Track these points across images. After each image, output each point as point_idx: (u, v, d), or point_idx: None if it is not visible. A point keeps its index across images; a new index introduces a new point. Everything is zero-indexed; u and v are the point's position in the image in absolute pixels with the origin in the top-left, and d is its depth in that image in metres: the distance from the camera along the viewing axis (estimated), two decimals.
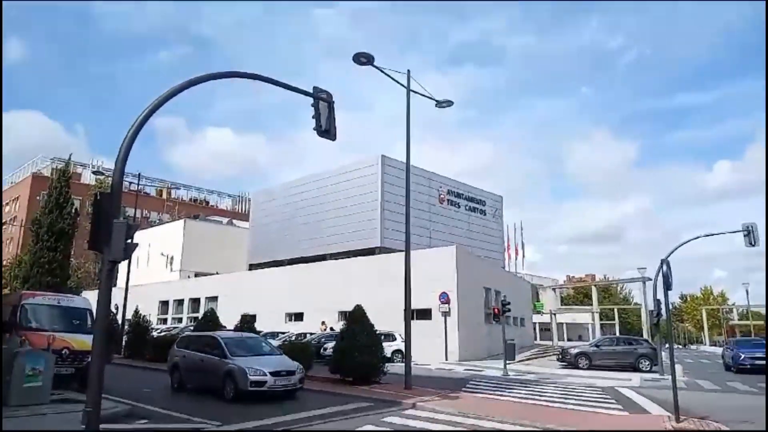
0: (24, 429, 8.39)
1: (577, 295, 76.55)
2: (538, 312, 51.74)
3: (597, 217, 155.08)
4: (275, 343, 19.44)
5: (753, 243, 20.92)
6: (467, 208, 43.64)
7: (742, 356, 23.98)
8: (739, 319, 76.49)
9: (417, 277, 17.29)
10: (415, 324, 19.41)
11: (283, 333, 27.45)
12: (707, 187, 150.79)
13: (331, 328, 27.57)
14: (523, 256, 52.74)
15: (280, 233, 42.31)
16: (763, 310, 74.29)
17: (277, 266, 38.93)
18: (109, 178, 20.30)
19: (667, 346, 14.89)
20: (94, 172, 47.46)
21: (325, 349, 21.19)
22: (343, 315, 23.55)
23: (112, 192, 7.75)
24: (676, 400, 10.27)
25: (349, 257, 35.03)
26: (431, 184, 40.08)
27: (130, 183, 35.97)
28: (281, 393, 12.51)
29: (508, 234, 50.53)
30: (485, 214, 45.43)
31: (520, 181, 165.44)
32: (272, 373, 12.42)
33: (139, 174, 33.61)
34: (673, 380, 10.77)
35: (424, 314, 27.34)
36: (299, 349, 17.43)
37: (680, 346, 68.45)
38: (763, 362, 22.67)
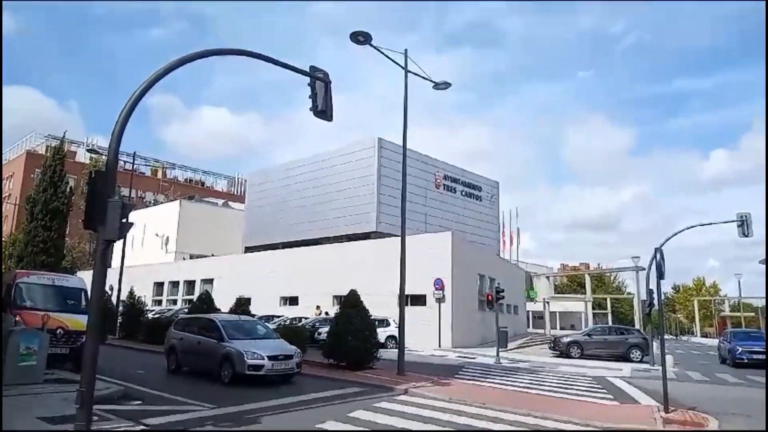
0: (17, 407, 8.42)
1: (571, 283, 77.02)
2: (532, 300, 52.06)
3: (593, 205, 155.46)
4: (270, 327, 19.52)
5: (746, 233, 21.01)
6: (463, 193, 43.63)
7: (740, 350, 23.05)
8: (730, 311, 77.20)
9: (412, 263, 17.32)
10: (410, 310, 19.51)
11: (278, 317, 27.56)
12: (704, 176, 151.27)
13: (326, 313, 27.69)
14: (518, 243, 52.91)
15: (275, 216, 42.26)
16: (754, 302, 75.11)
17: (272, 249, 38.94)
18: (104, 157, 20.17)
19: (658, 336, 15.02)
20: (88, 150, 47.08)
21: (320, 334, 21.29)
22: (338, 299, 23.61)
23: (107, 170, 7.67)
24: (666, 390, 10.39)
25: (344, 241, 35.10)
26: (427, 169, 39.96)
27: (125, 162, 35.73)
28: (278, 377, 12.58)
29: (503, 220, 50.63)
30: (481, 200, 45.44)
31: (517, 167, 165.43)
32: (270, 357, 12.47)
33: (134, 153, 33.36)
34: (663, 371, 10.88)
35: (419, 300, 27.47)
36: (293, 333, 17.50)
37: (672, 337, 69.17)
38: (762, 356, 22.07)
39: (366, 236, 34.64)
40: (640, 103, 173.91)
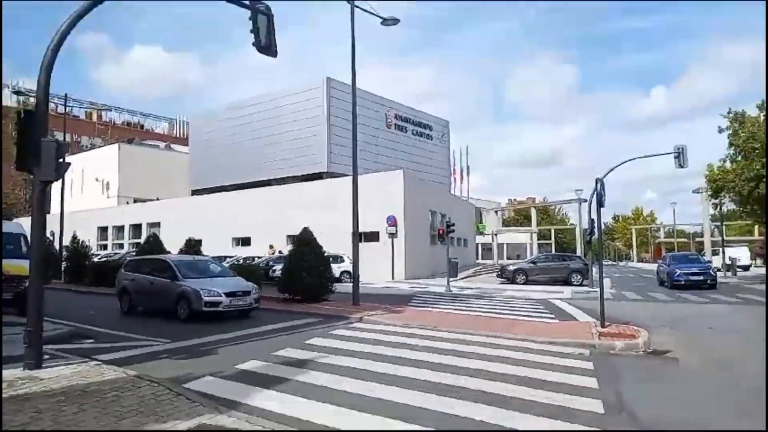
0: None
1: (518, 216, 79.80)
2: (481, 233, 53.83)
3: (539, 141, 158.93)
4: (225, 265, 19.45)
5: (682, 164, 22.21)
6: (414, 132, 43.67)
7: (678, 272, 23.29)
8: (665, 237, 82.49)
9: (365, 201, 17.47)
10: (364, 246, 19.82)
11: (231, 257, 27.42)
12: (643, 114, 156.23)
13: (280, 252, 27.75)
14: (468, 180, 53.90)
15: (223, 157, 41.13)
16: (687, 228, 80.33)
17: (221, 191, 38.19)
18: (33, 99, 18.81)
19: (598, 262, 15.97)
20: (14, 92, 43.69)
21: (274, 271, 21.41)
22: (292, 238, 23.63)
23: (37, 107, 7.28)
24: (603, 308, 11.17)
25: (296, 182, 34.78)
26: (378, 109, 39.56)
27: (57, 105, 33.49)
28: (237, 313, 12.69)
29: (453, 158, 51.27)
30: (432, 139, 45.67)
31: (466, 106, 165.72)
32: (227, 294, 12.51)
33: (66, 95, 31.26)
34: (601, 291, 11.64)
35: (372, 237, 27.86)
36: (247, 271, 17.52)
37: (612, 263, 73.52)
38: (699, 277, 22.78)
39: (318, 176, 34.45)
40: (585, 41, 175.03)
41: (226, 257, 27.00)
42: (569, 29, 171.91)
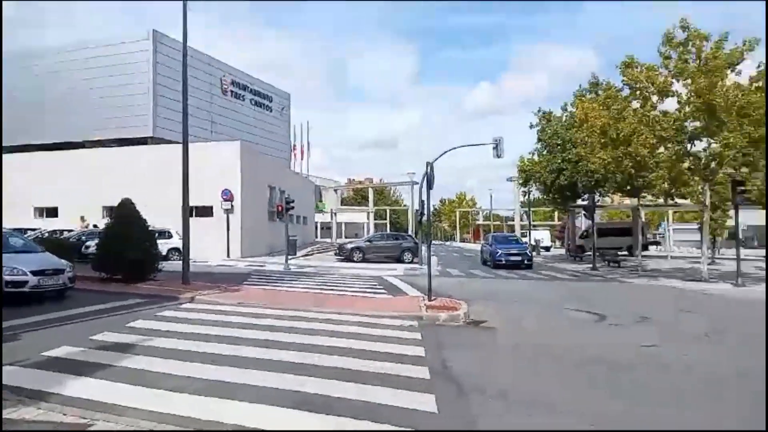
0: None
1: (356, 196, 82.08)
2: (321, 211, 54.26)
3: (379, 124, 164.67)
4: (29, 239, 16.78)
5: (499, 155, 24.66)
6: (253, 102, 42.00)
7: (500, 252, 24.69)
8: (484, 220, 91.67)
9: (197, 172, 16.40)
10: (195, 221, 18.69)
11: (33, 230, 23.84)
12: (470, 105, 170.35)
13: (94, 225, 24.87)
14: (309, 157, 53.73)
15: (22, 113, 35.12)
16: (501, 212, 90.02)
17: (21, 152, 32.70)
18: None
19: (427, 241, 17.16)
20: None
21: (87, 248, 19.12)
22: (109, 210, 21.32)
23: None
24: (430, 284, 12.07)
25: (116, 146, 31.30)
26: (213, 72, 37.19)
27: None
28: (48, 293, 11.05)
29: (294, 133, 50.60)
30: (272, 111, 44.41)
31: (308, 83, 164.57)
32: (35, 272, 10.78)
33: None
34: (428, 269, 12.56)
35: (205, 211, 26.43)
36: (55, 246, 15.33)
37: (440, 242, 79.59)
38: (518, 258, 24.38)
39: (142, 142, 31.42)
40: (425, 32, 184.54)
41: (26, 230, 23.43)
42: (412, 21, 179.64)
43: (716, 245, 33.86)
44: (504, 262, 24.30)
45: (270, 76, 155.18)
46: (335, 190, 67.78)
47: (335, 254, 29.59)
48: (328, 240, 51.72)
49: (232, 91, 39.20)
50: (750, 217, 42.52)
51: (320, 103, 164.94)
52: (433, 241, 77.91)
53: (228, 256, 26.23)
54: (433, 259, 26.20)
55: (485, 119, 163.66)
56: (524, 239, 37.03)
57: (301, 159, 52.35)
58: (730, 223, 27.93)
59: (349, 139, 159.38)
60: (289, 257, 22.47)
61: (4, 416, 4.24)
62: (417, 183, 37.66)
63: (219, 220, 26.54)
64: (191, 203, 15.47)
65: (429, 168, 12.56)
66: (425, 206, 13.50)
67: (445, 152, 23.26)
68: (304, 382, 5.58)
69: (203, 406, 4.84)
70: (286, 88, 48.68)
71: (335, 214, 58.48)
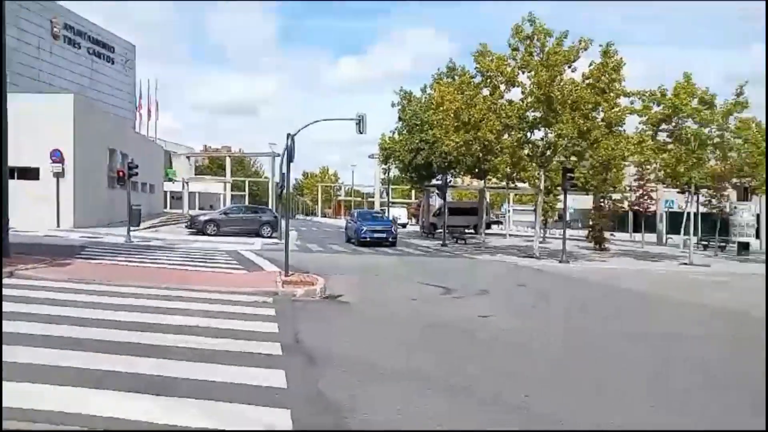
0: None
1: (212, 165, 77.83)
2: (171, 180, 50.47)
3: (239, 89, 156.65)
4: None
5: (361, 131, 24.91)
6: (91, 51, 37.09)
7: (364, 229, 24.25)
8: (345, 196, 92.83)
9: (19, 128, 14.17)
10: (17, 185, 16.28)
11: None
12: (337, 78, 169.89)
13: None
14: (157, 118, 49.02)
15: None
16: (362, 189, 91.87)
17: None
18: None
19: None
20: None
21: None
22: None
23: None
24: (287, 259, 11.82)
25: None
26: (41, 12, 32.15)
27: None
28: None
29: (141, 91, 45.81)
30: (114, 63, 39.68)
31: (159, 36, 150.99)
32: None
33: None
34: (286, 243, 12.28)
35: (30, 174, 23.17)
36: None
37: (303, 217, 78.95)
38: (382, 235, 24.12)
39: None
40: None
41: None
42: None
43: (547, 226, 38.07)
44: (368, 239, 24.01)
45: (113, 25, 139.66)
46: (188, 157, 63.57)
47: (186, 227, 27.80)
48: (179, 211, 48.50)
49: (65, 37, 34.25)
50: (576, 202, 48.55)
51: (173, 61, 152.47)
52: (296, 216, 77.56)
53: (58, 225, 23.30)
54: (293, 234, 25.90)
55: (351, 93, 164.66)
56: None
57: (148, 120, 47.58)
58: (560, 206, 31.48)
59: (207, 104, 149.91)
60: (132, 229, 20.58)
61: None
62: (278, 155, 36.76)
63: (47, 183, 23.38)
64: (11, 164, 13.35)
65: (290, 140, 12.21)
66: (285, 179, 13.17)
67: (307, 125, 22.70)
68: (139, 364, 5.11)
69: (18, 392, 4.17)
70: (134, 41, 43.70)
71: (187, 183, 54.94)
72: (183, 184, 53.78)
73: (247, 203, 59.00)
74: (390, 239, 24.45)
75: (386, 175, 45.46)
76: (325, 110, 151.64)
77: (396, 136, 33.48)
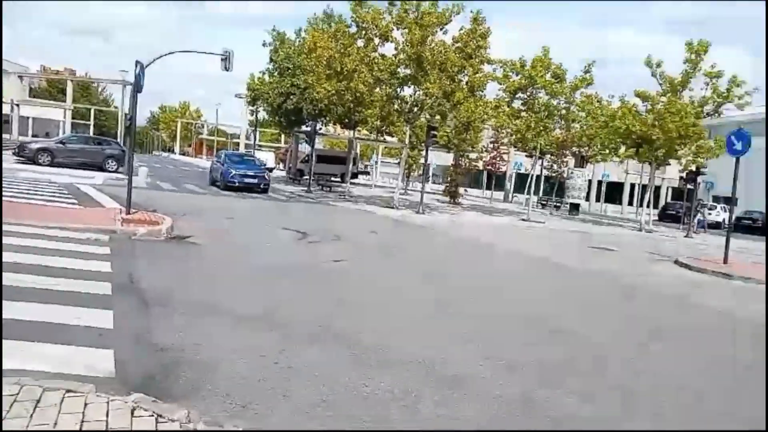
0: None
1: (51, 89, 68.22)
2: None
3: (96, 6, 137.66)
4: None
5: (227, 68, 23.38)
6: None
7: (233, 173, 22.15)
8: (208, 135, 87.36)
9: None
10: None
11: None
12: (208, 9, 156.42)
13: None
14: None
15: None
16: (227, 129, 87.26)
17: None
18: None
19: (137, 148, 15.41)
20: None
21: None
22: None
23: None
24: (130, 195, 10.88)
25: None
26: None
27: None
28: None
29: None
30: None
31: None
32: None
33: None
34: (129, 178, 11.26)
35: None
36: None
37: (161, 154, 72.85)
38: (253, 180, 22.15)
39: None
40: None
41: None
42: None
43: (410, 179, 39.64)
44: (237, 183, 21.82)
45: None
46: (20, 77, 55.03)
47: (14, 154, 24.28)
48: (7, 136, 42.15)
49: None
50: (439, 159, 50.98)
51: None
52: (154, 153, 71.39)
53: None
54: (144, 170, 24.02)
55: (225, 28, 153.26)
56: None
57: None
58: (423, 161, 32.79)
59: (51, 21, 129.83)
60: None
61: None
62: (130, 83, 33.31)
63: None
64: None
65: (138, 69, 11.08)
66: (132, 109, 12.02)
67: (163, 56, 20.82)
68: None
69: None
70: None
71: (18, 106, 47.83)
72: (12, 107, 46.68)
73: (92, 133, 53.05)
74: (262, 185, 22.57)
75: (254, 116, 43.58)
76: (192, 42, 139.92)
77: (266, 77, 32.07)
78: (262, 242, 10.32)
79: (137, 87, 11.25)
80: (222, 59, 23.03)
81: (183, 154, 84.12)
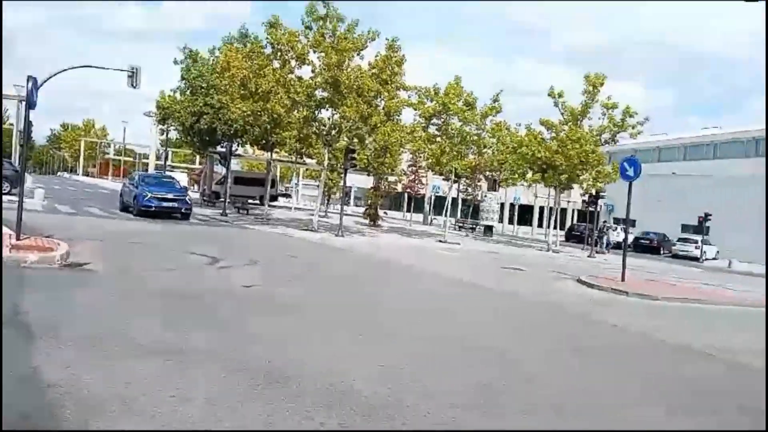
0: None
1: None
2: None
3: None
4: None
5: (135, 85, 22.35)
6: None
7: (148, 195, 19.84)
8: (115, 154, 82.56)
9: None
10: None
11: None
12: (116, 23, 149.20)
13: None
14: None
15: None
16: (137, 148, 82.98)
17: None
18: None
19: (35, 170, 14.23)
20: None
21: None
22: None
23: None
24: (20, 219, 9.98)
25: None
26: None
27: None
28: None
29: None
30: None
31: None
32: None
33: None
34: (20, 201, 10.29)
35: None
36: None
37: (64, 174, 67.71)
38: (173, 204, 20.24)
39: None
40: None
41: None
42: None
43: (330, 202, 39.53)
44: (154, 207, 19.51)
45: None
46: None
47: None
48: None
49: None
50: (360, 181, 51.36)
51: None
52: (58, 174, 66.11)
53: None
54: (41, 191, 22.25)
55: (135, 43, 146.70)
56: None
57: None
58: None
59: None
60: None
61: None
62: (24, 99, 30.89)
63: None
64: None
65: (31, 83, 10.34)
66: (25, 127, 11.17)
67: (62, 71, 19.61)
68: None
69: None
70: None
71: None
72: None
73: None
74: (183, 210, 20.37)
75: (164, 136, 41.79)
76: (99, 57, 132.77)
77: (177, 95, 30.95)
78: (165, 269, 9.79)
79: (29, 103, 10.50)
80: (129, 76, 22.02)
81: (87, 174, 78.88)
